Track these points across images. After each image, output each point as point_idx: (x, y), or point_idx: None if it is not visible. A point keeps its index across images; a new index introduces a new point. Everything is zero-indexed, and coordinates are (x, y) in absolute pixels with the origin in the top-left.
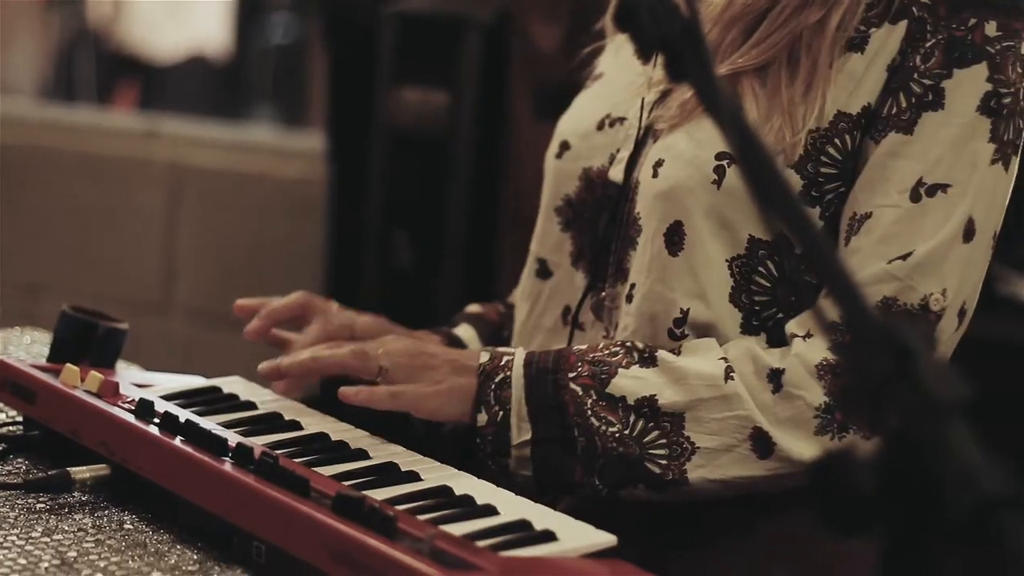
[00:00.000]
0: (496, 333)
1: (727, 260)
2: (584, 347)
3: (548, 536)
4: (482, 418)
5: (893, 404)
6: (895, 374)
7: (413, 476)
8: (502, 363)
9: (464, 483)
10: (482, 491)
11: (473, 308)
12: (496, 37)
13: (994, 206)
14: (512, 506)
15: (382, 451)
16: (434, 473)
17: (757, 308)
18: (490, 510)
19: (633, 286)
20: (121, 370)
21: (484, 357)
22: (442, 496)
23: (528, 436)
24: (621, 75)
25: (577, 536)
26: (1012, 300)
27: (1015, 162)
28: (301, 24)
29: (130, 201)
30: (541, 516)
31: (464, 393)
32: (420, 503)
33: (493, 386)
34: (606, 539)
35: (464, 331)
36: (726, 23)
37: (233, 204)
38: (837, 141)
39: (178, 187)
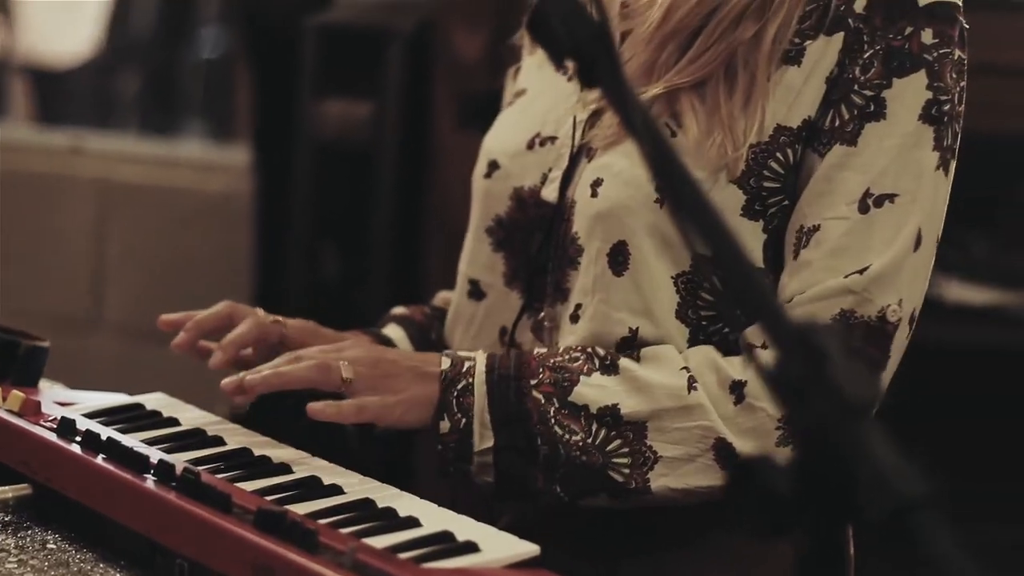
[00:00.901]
0: (423, 334)
1: (672, 277)
2: (544, 351)
3: (470, 547)
4: (444, 425)
5: (808, 407)
6: (809, 378)
7: (335, 490)
8: (464, 369)
9: (386, 496)
10: (404, 504)
11: (399, 310)
12: (418, 46)
13: (936, 212)
14: (434, 518)
15: (305, 465)
16: (357, 487)
17: (704, 323)
18: (412, 522)
19: (579, 306)
20: (44, 388)
21: (445, 363)
22: (364, 509)
23: (490, 444)
24: (546, 92)
25: (500, 547)
26: (936, 301)
27: (953, 165)
28: (230, 38)
29: (57, 217)
30: (463, 528)
31: (427, 401)
32: (342, 516)
33: (456, 393)
34: (528, 549)
35: (393, 331)
36: (661, 40)
37: (161, 219)
38: (779, 155)
39: (105, 203)
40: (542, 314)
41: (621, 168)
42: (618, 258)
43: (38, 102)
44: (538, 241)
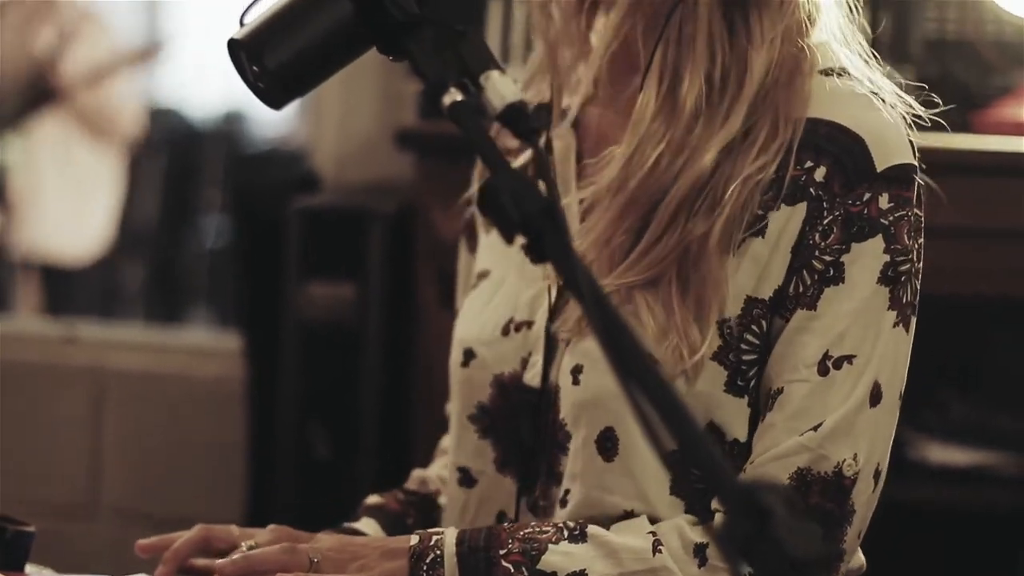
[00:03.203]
0: (398, 521)
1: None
2: (515, 525)
3: None
4: None
5: (755, 564)
6: (755, 535)
7: None
8: (432, 543)
9: None
10: None
11: (373, 500)
12: (400, 228)
13: (897, 367)
14: None
15: None
16: None
17: (699, 494)
18: None
19: (568, 491)
20: (32, 573)
21: (414, 540)
22: None
23: None
24: (512, 272)
25: None
26: (922, 464)
27: (914, 320)
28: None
29: (53, 406)
30: None
31: None
32: None
33: (425, 566)
34: None
35: (366, 524)
36: (618, 213)
37: (155, 405)
38: (754, 327)
39: (100, 391)
40: (537, 493)
41: (600, 354)
42: (607, 444)
43: (46, 298)
44: (527, 426)
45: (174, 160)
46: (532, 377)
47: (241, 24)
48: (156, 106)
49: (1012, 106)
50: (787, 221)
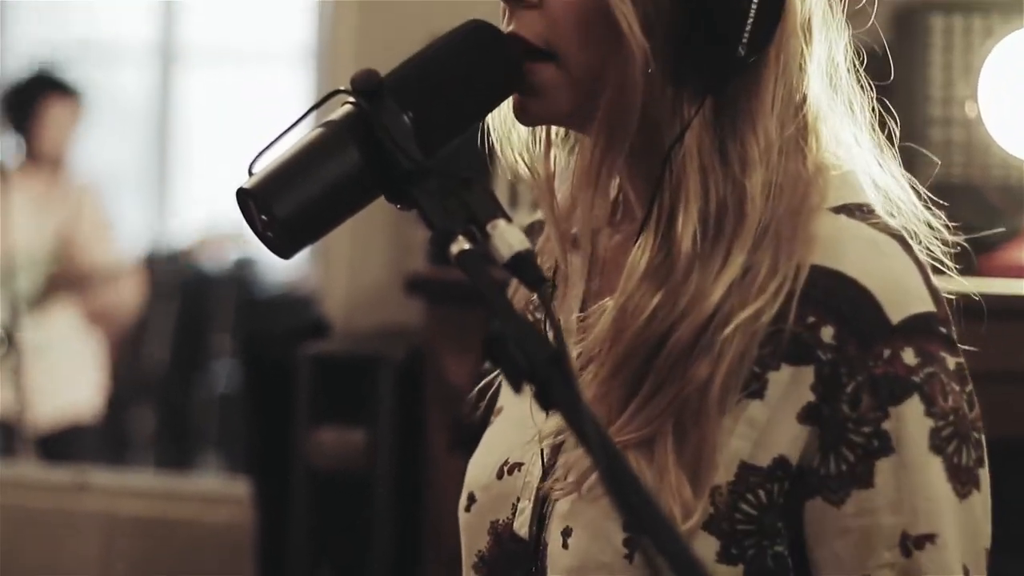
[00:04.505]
0: None
1: None
2: None
3: None
4: None
5: None
6: None
7: None
8: None
9: None
10: None
11: None
12: (409, 373)
13: (978, 536)
14: None
15: None
16: None
17: None
18: None
19: None
20: None
21: None
22: None
23: None
24: (516, 411)
25: None
26: None
27: (984, 473)
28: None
29: (62, 553)
30: None
31: None
32: None
33: None
34: None
35: None
36: (616, 365)
37: (165, 552)
38: (750, 496)
39: (110, 538)
40: None
41: (591, 517)
42: None
43: (55, 448)
44: None
45: (185, 305)
46: (520, 526)
47: (250, 173)
48: (167, 252)
49: (1018, 250)
50: (791, 383)
